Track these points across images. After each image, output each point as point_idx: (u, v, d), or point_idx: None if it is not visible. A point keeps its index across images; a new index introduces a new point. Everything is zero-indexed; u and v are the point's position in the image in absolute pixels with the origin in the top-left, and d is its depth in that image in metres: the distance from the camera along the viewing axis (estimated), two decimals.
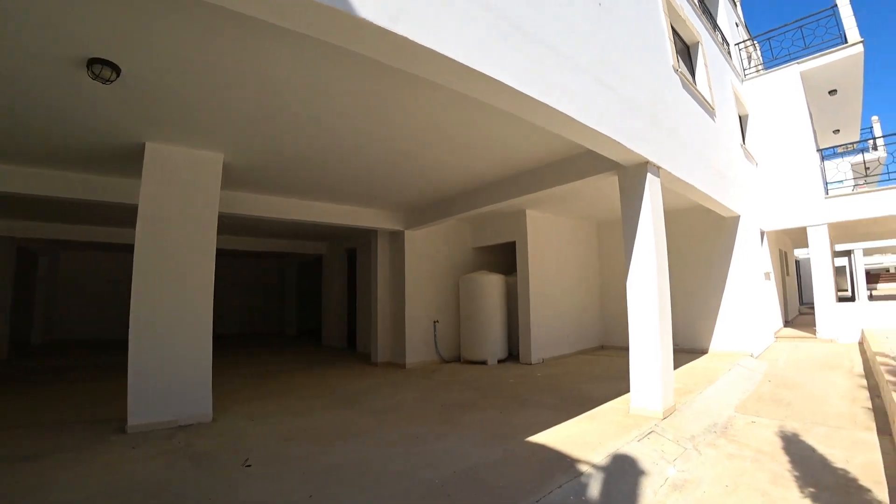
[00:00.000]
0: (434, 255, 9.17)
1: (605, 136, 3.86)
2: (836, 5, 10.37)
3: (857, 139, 15.34)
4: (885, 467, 3.32)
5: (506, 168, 6.07)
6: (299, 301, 16.36)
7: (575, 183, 5.64)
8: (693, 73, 7.82)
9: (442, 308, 9.12)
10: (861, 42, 9.90)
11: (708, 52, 8.17)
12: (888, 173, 10.20)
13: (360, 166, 5.74)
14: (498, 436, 4.12)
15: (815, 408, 4.99)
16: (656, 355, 4.45)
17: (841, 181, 12.93)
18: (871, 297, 20.44)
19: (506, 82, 2.85)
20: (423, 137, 4.84)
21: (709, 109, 7.41)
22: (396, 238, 8.91)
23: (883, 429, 4.11)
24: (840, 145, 15.40)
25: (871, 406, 4.91)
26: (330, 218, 7.62)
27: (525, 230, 8.50)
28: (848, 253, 21.12)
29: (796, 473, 3.30)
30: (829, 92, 11.85)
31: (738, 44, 11.83)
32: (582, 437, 3.93)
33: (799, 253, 20.20)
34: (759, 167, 10.75)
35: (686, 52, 7.78)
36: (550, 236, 9.11)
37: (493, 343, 8.43)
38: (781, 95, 10.71)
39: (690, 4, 7.72)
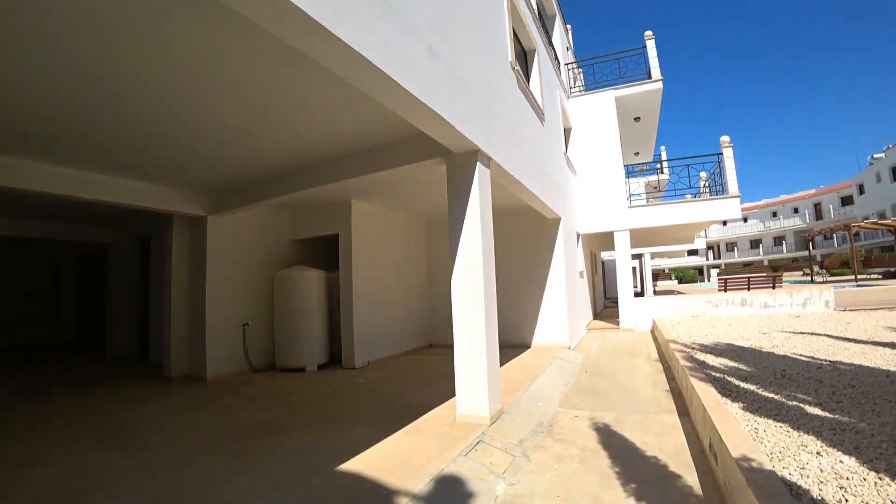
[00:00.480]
0: (244, 246, 7.83)
1: (433, 111, 3.37)
2: (645, 46, 11.97)
3: (651, 161, 17.86)
4: (690, 451, 3.50)
5: (327, 146, 5.29)
6: (80, 302, 13.28)
7: (403, 171, 5.15)
8: (528, 77, 7.99)
9: (254, 308, 7.83)
10: (661, 80, 11.61)
11: (542, 61, 8.47)
12: (675, 190, 11.89)
13: (134, 125, 4.39)
14: (304, 468, 3.35)
15: (627, 395, 5.35)
16: (482, 358, 4.13)
17: (639, 194, 14.88)
18: (654, 293, 24.35)
19: (312, 15, 2.13)
20: (215, 95, 3.84)
21: (539, 114, 7.59)
22: (198, 225, 7.40)
23: (682, 411, 4.51)
24: (638, 165, 17.81)
25: (669, 388, 5.45)
26: (103, 194, 5.81)
27: (350, 222, 7.73)
28: (639, 256, 24.79)
29: (619, 469, 3.24)
30: (635, 118, 13.56)
31: (567, 64, 12.89)
32: (404, 458, 3.38)
33: (603, 255, 23.04)
34: (578, 177, 11.68)
35: (523, 57, 7.91)
36: (377, 230, 8.51)
37: (312, 347, 7.52)
38: (599, 115, 11.89)
39: (531, 14, 7.88)
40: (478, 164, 4.28)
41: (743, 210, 55.23)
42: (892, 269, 23.14)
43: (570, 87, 12.77)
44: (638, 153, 17.23)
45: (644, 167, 20.57)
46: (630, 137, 14.68)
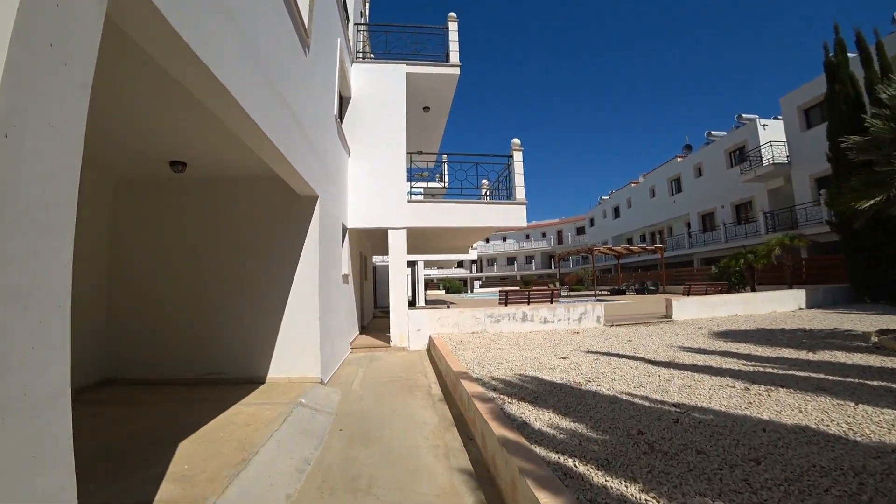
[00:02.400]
0: None
1: None
2: (447, 28, 10.46)
3: (435, 153, 16.66)
4: None
5: None
6: None
7: None
8: None
9: None
10: (459, 66, 10.17)
11: None
12: (461, 189, 10.55)
13: None
14: None
15: (407, 486, 3.08)
16: None
17: (420, 191, 13.46)
18: (426, 302, 23.73)
19: None
20: None
21: (302, 33, 5.02)
22: None
23: None
24: (418, 170, 16.48)
25: (469, 462, 3.42)
26: None
27: None
28: (413, 264, 23.86)
29: None
30: (424, 108, 12.02)
31: (357, 24, 10.64)
32: None
33: (375, 259, 21.33)
34: (352, 159, 9.42)
35: None
36: None
37: None
38: (386, 89, 9.89)
39: None
40: None
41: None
42: (616, 287, 27.29)
43: (358, 53, 10.53)
44: (421, 152, 15.92)
45: (425, 173, 19.56)
46: (416, 131, 13.11)
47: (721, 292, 13.91)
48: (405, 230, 9.36)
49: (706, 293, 13.51)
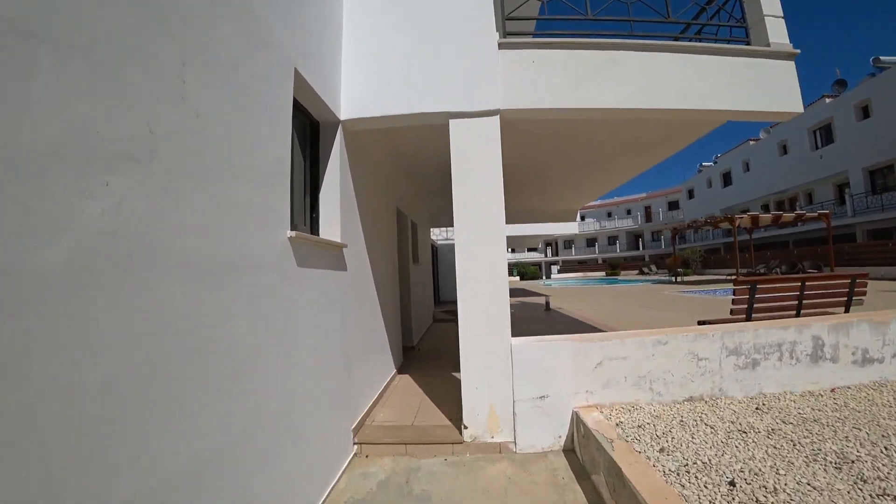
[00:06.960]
0: None
1: None
2: None
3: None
4: None
5: None
6: None
7: None
8: None
9: None
10: None
11: None
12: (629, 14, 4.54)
13: None
14: None
15: None
16: None
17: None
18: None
19: None
20: None
21: None
22: None
23: None
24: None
25: None
26: None
27: None
28: None
29: None
30: None
31: None
32: None
33: (437, 237, 15.62)
34: None
35: None
36: None
37: None
38: None
39: None
40: None
41: (581, 209, 54.33)
42: (751, 269, 20.13)
43: None
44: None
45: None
46: None
47: None
48: (497, 118, 3.59)
49: None
